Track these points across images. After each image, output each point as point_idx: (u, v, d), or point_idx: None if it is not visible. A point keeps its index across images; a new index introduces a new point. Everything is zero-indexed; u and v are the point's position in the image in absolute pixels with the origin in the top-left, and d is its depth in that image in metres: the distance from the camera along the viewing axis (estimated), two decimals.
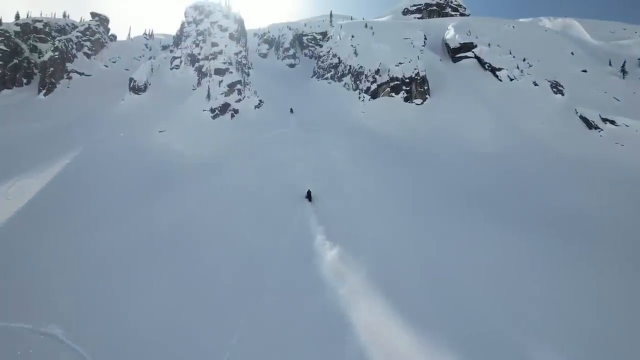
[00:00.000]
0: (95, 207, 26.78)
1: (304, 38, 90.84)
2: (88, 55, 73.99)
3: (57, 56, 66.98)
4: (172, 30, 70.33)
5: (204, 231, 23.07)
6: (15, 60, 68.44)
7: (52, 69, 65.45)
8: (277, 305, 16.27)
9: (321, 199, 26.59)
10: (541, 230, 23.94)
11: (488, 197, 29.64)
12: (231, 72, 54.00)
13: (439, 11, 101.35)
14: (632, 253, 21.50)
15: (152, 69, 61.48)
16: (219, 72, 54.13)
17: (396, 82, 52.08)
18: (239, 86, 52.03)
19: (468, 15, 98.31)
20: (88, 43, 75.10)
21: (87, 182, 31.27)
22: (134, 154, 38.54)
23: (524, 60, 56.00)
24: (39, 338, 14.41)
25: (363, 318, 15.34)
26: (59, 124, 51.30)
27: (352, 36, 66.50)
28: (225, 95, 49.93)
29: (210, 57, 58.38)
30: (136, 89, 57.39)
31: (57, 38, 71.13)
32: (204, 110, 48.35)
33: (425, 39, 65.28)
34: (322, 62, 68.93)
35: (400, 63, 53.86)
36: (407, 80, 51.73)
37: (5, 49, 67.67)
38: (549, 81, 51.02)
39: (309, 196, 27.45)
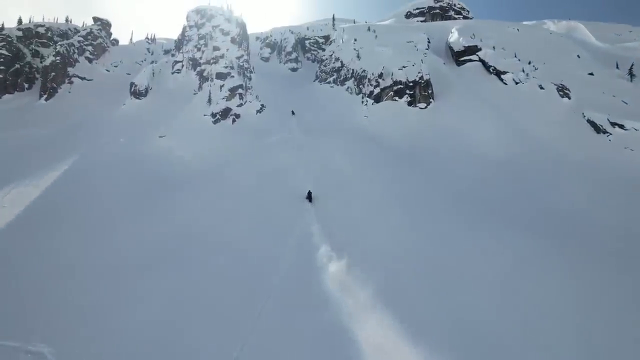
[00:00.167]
0: (92, 215, 26.15)
1: (307, 42, 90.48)
2: (90, 60, 73.79)
3: (58, 61, 66.81)
4: (175, 34, 70.26)
5: (203, 241, 22.32)
6: (17, 65, 68.29)
7: (53, 73, 65.29)
8: (279, 320, 15.48)
9: (325, 206, 25.82)
10: (552, 237, 23.14)
11: (497, 204, 28.85)
12: (233, 77, 53.44)
13: (442, 14, 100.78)
14: None
15: (153, 73, 61.10)
16: (220, 76, 53.60)
17: (400, 86, 51.32)
18: (240, 90, 51.46)
19: (471, 19, 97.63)
20: (90, 47, 74.96)
21: (85, 189, 30.64)
22: (133, 159, 37.96)
23: (529, 63, 55.12)
24: (26, 357, 13.67)
25: (369, 334, 14.52)
26: (59, 129, 50.97)
27: (355, 39, 65.91)
28: (226, 100, 49.36)
29: (211, 61, 57.92)
30: (137, 94, 56.98)
31: (59, 43, 71.03)
32: (205, 115, 47.80)
33: (429, 42, 64.56)
34: (325, 65, 68.36)
35: (403, 67, 53.13)
36: (411, 84, 50.97)
37: (7, 54, 67.54)
38: (555, 84, 50.09)
39: (309, 197, 27.15)
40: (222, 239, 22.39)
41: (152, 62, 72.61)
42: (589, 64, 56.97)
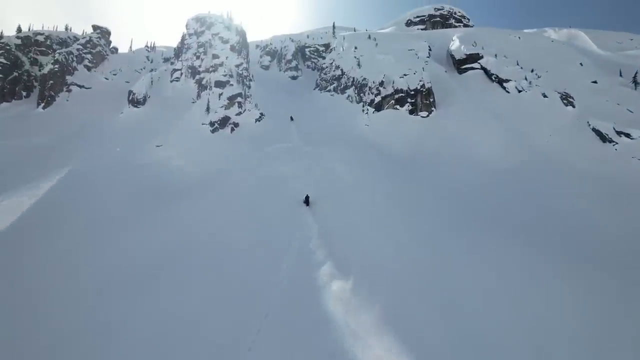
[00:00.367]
0: (82, 230, 25.19)
1: (307, 50, 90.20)
2: (88, 68, 73.41)
3: (57, 69, 66.34)
4: (175, 42, 69.97)
5: (197, 256, 21.28)
6: (15, 74, 67.82)
7: (51, 82, 64.75)
8: (276, 345, 14.42)
9: (325, 218, 24.76)
10: (563, 253, 22.11)
11: (505, 217, 27.83)
12: (232, 85, 52.78)
13: (443, 22, 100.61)
14: None
15: (151, 81, 60.57)
16: (219, 84, 52.94)
17: (401, 94, 50.60)
18: (239, 99, 50.75)
19: (472, 27, 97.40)
20: (89, 56, 74.63)
21: (78, 200, 29.71)
22: (129, 170, 37.10)
23: (532, 71, 54.49)
24: None
25: None
26: (55, 138, 50.25)
27: (355, 47, 65.41)
28: (225, 109, 48.63)
29: (210, 69, 57.36)
30: (135, 102, 56.36)
31: (58, 51, 70.64)
32: (203, 124, 47.01)
33: (430, 50, 64.05)
34: (325, 73, 67.81)
35: (404, 74, 52.48)
36: (412, 92, 50.24)
37: (5, 62, 67.15)
38: (558, 93, 49.36)
39: (306, 201, 26.98)
40: (217, 255, 21.36)
41: (152, 70, 72.24)
42: (592, 72, 56.28)
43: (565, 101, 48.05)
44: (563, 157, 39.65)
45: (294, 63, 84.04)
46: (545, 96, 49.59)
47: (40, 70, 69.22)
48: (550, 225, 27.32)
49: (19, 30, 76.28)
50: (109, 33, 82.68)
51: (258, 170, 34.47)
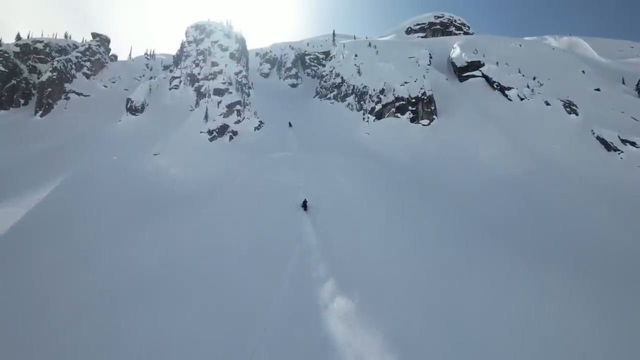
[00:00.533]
0: (73, 243, 24.32)
1: (307, 57, 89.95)
2: (87, 76, 73.08)
3: (55, 77, 65.92)
4: (175, 50, 69.63)
5: (192, 271, 20.39)
6: (13, 81, 67.47)
7: (49, 89, 64.30)
8: None
9: (326, 231, 23.92)
10: (576, 268, 21.30)
11: (511, 229, 27.03)
12: (231, 93, 52.22)
13: (443, 30, 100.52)
14: None
15: (150, 89, 60.08)
16: (218, 92, 52.36)
17: (402, 102, 50.00)
18: (238, 107, 50.14)
19: (472, 34, 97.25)
20: (88, 63, 74.37)
21: (69, 213, 28.81)
22: (125, 179, 36.25)
23: (534, 79, 53.97)
24: None
25: None
26: (52, 146, 49.61)
27: (356, 55, 65.02)
28: (223, 117, 47.98)
29: (209, 77, 56.85)
30: (133, 110, 55.81)
31: (57, 58, 70.31)
32: (201, 132, 46.30)
33: (431, 57, 63.59)
34: (325, 81, 67.34)
35: (405, 82, 51.94)
36: (413, 100, 49.65)
37: (3, 69, 66.89)
38: (561, 100, 48.78)
39: (304, 206, 27.08)
40: (212, 271, 20.47)
41: (151, 77, 71.82)
42: (594, 79, 55.80)
43: (568, 109, 47.45)
44: (568, 166, 38.90)
45: (293, 71, 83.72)
46: (548, 104, 48.99)
47: (38, 78, 68.80)
48: (557, 237, 26.53)
49: (18, 37, 76.07)
50: (108, 41, 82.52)
51: (256, 180, 33.64)
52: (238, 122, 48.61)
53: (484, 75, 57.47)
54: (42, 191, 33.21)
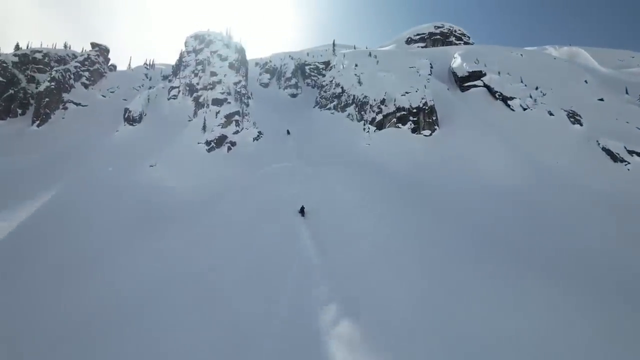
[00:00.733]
0: (61, 259, 23.32)
1: (307, 67, 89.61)
2: (86, 86, 72.53)
3: (53, 86, 65.34)
4: (175, 60, 69.37)
5: (185, 291, 19.32)
6: (11, 91, 66.84)
7: (47, 99, 63.67)
8: None
9: (326, 248, 22.85)
10: (588, 285, 20.21)
11: (514, 243, 25.98)
12: (229, 103, 51.57)
13: (443, 40, 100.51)
14: None
15: (148, 99, 59.44)
16: (216, 102, 51.73)
17: (403, 113, 49.27)
18: (237, 117, 49.42)
19: (472, 44, 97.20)
20: (86, 73, 73.86)
21: (61, 225, 27.97)
22: (119, 191, 35.40)
23: (536, 88, 53.37)
24: None
25: None
26: (47, 157, 48.79)
27: (356, 65, 64.54)
28: (222, 127, 47.22)
29: (208, 87, 56.27)
30: (131, 120, 55.07)
31: (55, 68, 69.86)
32: (199, 143, 45.50)
33: (431, 67, 63.12)
34: (325, 91, 66.75)
35: (406, 92, 51.28)
36: (415, 111, 48.92)
37: (1, 79, 66.29)
38: (565, 110, 48.10)
39: (302, 211, 27.24)
40: (207, 288, 19.45)
41: (150, 87, 71.29)
42: (597, 89, 55.26)
43: (572, 119, 46.73)
44: (574, 178, 38.04)
45: (293, 81, 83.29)
46: (551, 114, 48.28)
47: (37, 88, 68.27)
48: (565, 251, 25.52)
49: (17, 47, 75.80)
50: (107, 51, 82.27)
51: (254, 193, 32.74)
52: (236, 132, 47.84)
53: (485, 85, 56.88)
54: (33, 204, 32.36)
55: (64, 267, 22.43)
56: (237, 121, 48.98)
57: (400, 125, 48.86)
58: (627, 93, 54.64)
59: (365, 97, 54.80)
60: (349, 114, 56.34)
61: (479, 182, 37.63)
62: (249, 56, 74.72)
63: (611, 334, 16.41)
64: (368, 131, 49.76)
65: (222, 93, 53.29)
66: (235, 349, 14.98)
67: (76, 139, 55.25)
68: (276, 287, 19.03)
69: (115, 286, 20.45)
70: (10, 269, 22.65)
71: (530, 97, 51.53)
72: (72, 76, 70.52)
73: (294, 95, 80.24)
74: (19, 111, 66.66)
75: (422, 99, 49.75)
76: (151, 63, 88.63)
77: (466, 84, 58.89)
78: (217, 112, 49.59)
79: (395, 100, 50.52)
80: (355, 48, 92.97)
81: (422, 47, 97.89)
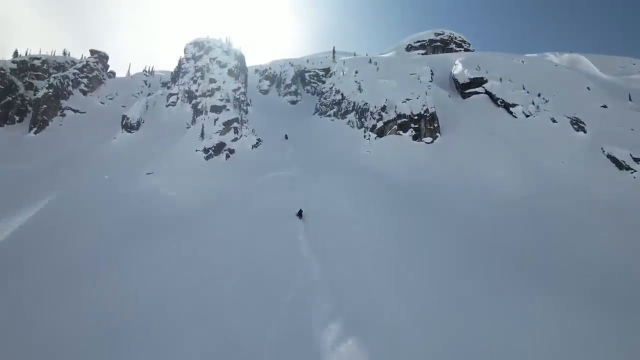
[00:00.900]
0: (48, 274, 22.43)
1: (306, 74, 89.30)
2: (84, 92, 72.00)
3: (51, 93, 64.83)
4: (174, 67, 69.04)
5: (179, 307, 18.44)
6: (9, 98, 66.26)
7: (44, 106, 63.12)
8: None
9: (325, 260, 21.98)
10: (597, 300, 19.37)
11: (520, 255, 25.17)
12: (228, 110, 50.94)
13: (443, 47, 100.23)
14: None
15: (147, 106, 58.89)
16: (215, 109, 51.09)
17: (404, 120, 48.59)
18: (235, 124, 48.74)
19: (473, 51, 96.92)
20: (85, 80, 73.38)
21: (50, 238, 27.11)
22: (114, 200, 34.61)
23: (539, 95, 52.75)
24: None
25: None
26: (43, 165, 48.10)
27: (356, 72, 64.03)
28: (220, 134, 46.51)
29: (207, 93, 55.66)
30: (129, 127, 54.45)
31: (53, 75, 69.43)
32: (196, 151, 44.77)
33: (432, 74, 62.60)
34: (325, 98, 66.17)
35: (407, 99, 50.67)
36: (416, 118, 48.26)
37: None
38: (568, 117, 47.42)
39: (299, 214, 27.46)
40: (202, 304, 18.57)
41: (149, 94, 70.78)
42: (600, 96, 54.61)
43: (575, 126, 46.04)
44: (579, 186, 37.25)
45: (293, 87, 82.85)
46: (554, 121, 47.61)
47: (34, 95, 67.74)
48: (575, 265, 24.65)
49: (16, 54, 75.46)
50: (106, 57, 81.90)
51: (252, 202, 31.90)
52: (235, 139, 47.13)
53: (487, 92, 56.29)
54: (24, 215, 31.59)
55: (50, 282, 21.55)
56: (235, 128, 48.29)
57: (401, 132, 48.18)
58: (630, 100, 54.00)
59: (366, 104, 54.17)
60: (349, 121, 55.69)
61: (482, 190, 36.87)
62: (249, 63, 74.38)
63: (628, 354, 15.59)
64: (369, 138, 49.07)
65: (221, 100, 52.69)
66: None
67: (73, 146, 54.56)
68: (274, 302, 18.14)
69: (104, 303, 19.54)
70: None
71: (533, 103, 50.92)
72: (70, 83, 70.02)
73: (293, 102, 79.77)
74: (17, 118, 66.01)
75: (424, 105, 49.14)
76: (150, 70, 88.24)
77: (467, 91, 58.30)
78: (216, 119, 48.94)
79: (396, 107, 49.89)
80: (355, 55, 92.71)
81: (422, 54, 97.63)
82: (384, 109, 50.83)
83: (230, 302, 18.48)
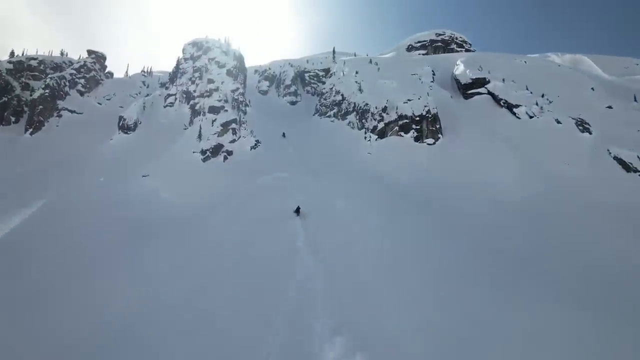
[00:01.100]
0: (36, 280, 21.46)
1: (306, 75, 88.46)
2: (81, 93, 71.24)
3: (47, 94, 64.00)
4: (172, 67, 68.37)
5: (170, 320, 17.47)
6: (4, 98, 65.42)
7: (40, 107, 62.27)
8: None
9: (325, 270, 21.00)
10: (610, 311, 18.41)
11: (527, 261, 24.09)
12: (226, 110, 50.01)
13: (444, 47, 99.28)
14: None
15: (144, 106, 57.97)
16: (213, 110, 50.17)
17: (405, 121, 47.65)
18: (233, 125, 47.82)
19: (474, 51, 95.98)
20: (82, 80, 72.64)
21: (41, 242, 26.15)
22: (108, 204, 33.65)
23: (542, 96, 51.80)
24: None
25: None
26: (38, 166, 47.25)
27: (357, 72, 63.12)
28: (218, 136, 45.59)
29: (205, 94, 54.75)
30: (125, 128, 53.59)
31: (50, 75, 68.58)
32: (194, 152, 43.84)
33: (434, 74, 61.68)
34: (325, 99, 65.27)
35: (409, 100, 49.73)
36: (417, 119, 47.31)
37: None
38: (573, 118, 46.41)
39: (297, 212, 27.46)
40: (196, 314, 17.61)
41: (147, 95, 69.95)
42: (604, 96, 53.70)
43: (580, 127, 45.05)
44: (585, 189, 36.23)
45: (292, 88, 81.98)
46: (558, 122, 46.60)
47: (31, 95, 66.89)
48: (584, 271, 23.65)
49: (12, 54, 74.61)
50: (104, 58, 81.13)
51: (250, 206, 30.98)
52: (233, 141, 46.20)
53: (489, 93, 55.31)
54: (15, 218, 30.68)
55: (37, 290, 20.60)
56: (234, 129, 47.38)
57: (402, 133, 47.23)
58: (635, 100, 53.03)
59: (367, 104, 53.24)
60: (349, 122, 54.77)
61: (486, 193, 35.89)
62: (248, 63, 73.63)
63: None
64: (369, 140, 48.13)
65: (219, 100, 51.78)
66: None
67: (69, 147, 53.73)
68: (271, 314, 17.15)
69: (95, 311, 18.59)
70: None
71: (537, 104, 49.94)
72: (67, 83, 69.26)
73: (293, 103, 78.90)
74: (12, 119, 65.20)
75: (425, 106, 48.19)
76: (149, 70, 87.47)
77: (470, 92, 57.32)
78: (214, 120, 48.02)
79: (397, 108, 48.96)
80: (355, 55, 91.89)
81: (423, 54, 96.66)
82: (385, 109, 49.90)
83: (228, 309, 17.52)
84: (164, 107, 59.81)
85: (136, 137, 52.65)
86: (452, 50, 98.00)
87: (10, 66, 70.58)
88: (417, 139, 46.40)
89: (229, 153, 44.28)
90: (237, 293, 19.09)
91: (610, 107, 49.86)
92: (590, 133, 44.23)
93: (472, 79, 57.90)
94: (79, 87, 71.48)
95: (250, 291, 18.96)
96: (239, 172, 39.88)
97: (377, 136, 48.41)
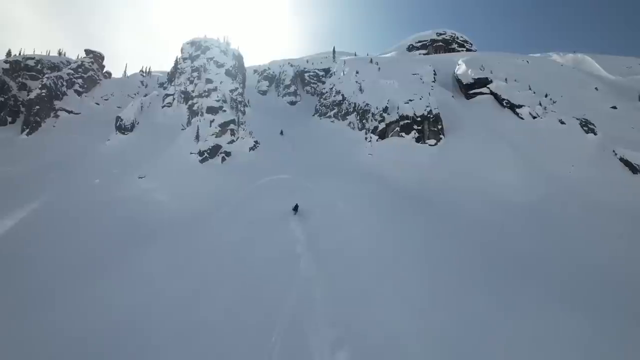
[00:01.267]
0: (30, 283, 20.72)
1: (306, 75, 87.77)
2: (79, 93, 70.40)
3: (44, 94, 63.16)
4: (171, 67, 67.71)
5: (165, 324, 16.74)
6: (1, 99, 64.60)
7: (37, 107, 61.42)
8: None
9: (326, 273, 20.24)
10: (624, 318, 17.71)
11: (531, 265, 23.41)
12: (225, 111, 49.23)
13: (445, 47, 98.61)
14: None
15: (141, 106, 57.22)
16: (211, 110, 49.37)
17: (406, 121, 46.88)
18: (232, 126, 47.05)
19: (475, 51, 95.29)
20: (80, 80, 71.80)
21: (35, 244, 25.44)
22: (103, 206, 32.88)
23: (546, 96, 51.03)
24: None
25: None
26: (33, 167, 46.33)
27: (357, 72, 62.38)
28: (216, 136, 44.82)
29: (203, 94, 53.99)
30: (122, 129, 52.81)
31: (47, 75, 67.80)
32: (191, 153, 43.05)
33: (435, 74, 60.91)
34: (325, 99, 64.55)
35: (410, 100, 48.95)
36: (419, 119, 46.55)
37: None
38: (577, 119, 45.60)
39: (295, 209, 27.38)
40: (192, 320, 16.87)
41: (145, 95, 69.17)
42: (608, 96, 53.01)
43: (585, 128, 44.24)
44: (590, 191, 35.49)
45: (292, 88, 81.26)
46: (562, 122, 45.83)
47: (28, 96, 66.10)
48: (589, 276, 22.87)
49: (9, 54, 73.83)
50: (102, 57, 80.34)
51: (249, 208, 30.27)
52: (232, 142, 45.44)
53: (492, 93, 54.60)
54: (7, 221, 29.91)
55: (31, 292, 19.88)
56: (232, 130, 46.61)
57: (403, 134, 46.47)
58: (639, 100, 52.32)
59: (367, 105, 52.51)
60: (350, 123, 54.04)
61: (489, 195, 35.16)
62: (248, 63, 72.96)
63: None
64: (370, 141, 47.38)
65: (218, 101, 50.98)
66: None
67: (66, 148, 52.87)
68: (270, 319, 16.45)
69: (89, 318, 17.84)
70: None
71: (540, 104, 49.16)
72: (64, 83, 68.45)
73: (293, 103, 78.19)
74: (9, 119, 64.30)
75: (427, 106, 47.43)
76: (147, 70, 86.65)
77: (472, 92, 56.60)
78: (212, 121, 47.24)
79: (398, 109, 48.19)
80: (355, 55, 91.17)
81: (424, 54, 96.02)
82: (385, 110, 49.15)
83: (225, 316, 16.80)
84: (162, 107, 59.05)
85: (133, 137, 51.89)
86: (453, 50, 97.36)
87: (7, 66, 69.81)
88: (418, 140, 45.67)
89: (227, 154, 43.54)
90: (236, 297, 18.43)
91: (614, 107, 49.16)
92: (595, 134, 43.45)
93: (474, 79, 57.18)
94: (77, 87, 70.66)
95: (247, 297, 18.27)
96: (237, 174, 39.16)
97: (378, 137, 47.66)
